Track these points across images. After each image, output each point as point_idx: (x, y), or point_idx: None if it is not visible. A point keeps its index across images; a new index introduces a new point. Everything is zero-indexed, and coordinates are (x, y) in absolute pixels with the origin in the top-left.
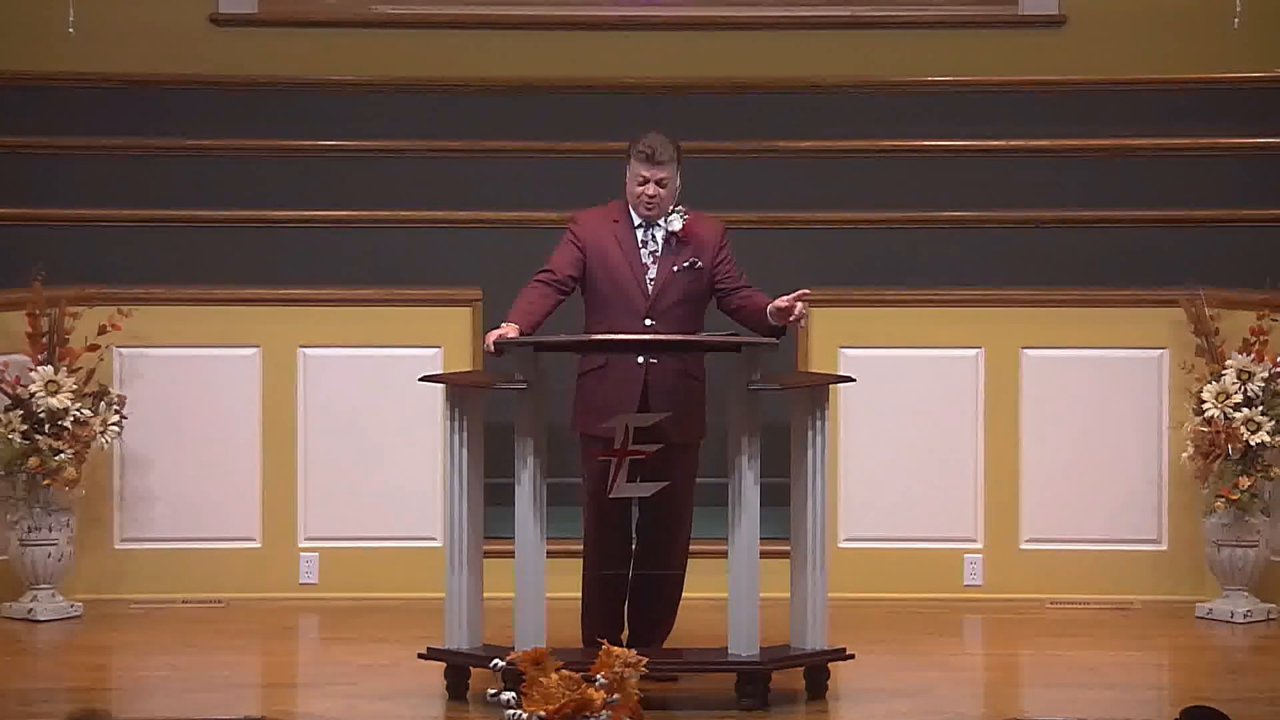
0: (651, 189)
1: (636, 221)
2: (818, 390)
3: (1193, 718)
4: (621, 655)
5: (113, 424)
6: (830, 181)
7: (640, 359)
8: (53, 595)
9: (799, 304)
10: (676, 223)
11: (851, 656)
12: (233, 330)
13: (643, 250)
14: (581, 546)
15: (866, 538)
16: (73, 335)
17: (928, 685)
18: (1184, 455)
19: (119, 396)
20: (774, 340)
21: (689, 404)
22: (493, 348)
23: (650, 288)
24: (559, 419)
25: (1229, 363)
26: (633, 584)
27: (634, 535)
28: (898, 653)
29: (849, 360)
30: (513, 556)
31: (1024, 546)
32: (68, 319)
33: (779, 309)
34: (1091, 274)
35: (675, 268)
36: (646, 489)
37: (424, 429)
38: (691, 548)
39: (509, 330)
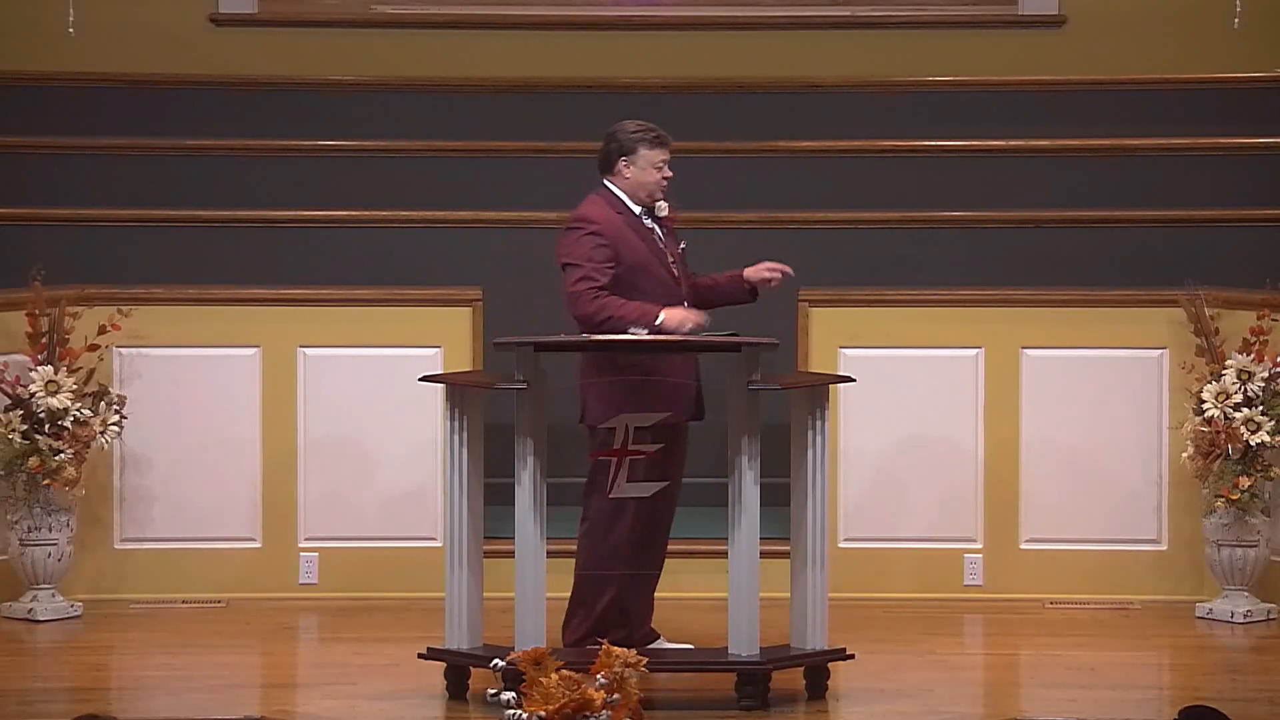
0: (668, 171)
1: (636, 211)
2: (818, 390)
3: (1191, 717)
4: (621, 655)
5: (113, 424)
6: (830, 181)
7: None
8: (53, 595)
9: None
10: (665, 209)
11: (851, 656)
12: (233, 330)
13: (655, 238)
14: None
15: (866, 537)
16: (73, 335)
17: (928, 685)
18: (1184, 455)
19: (119, 396)
20: (774, 341)
21: None
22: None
23: (676, 272)
24: (559, 419)
25: (1229, 363)
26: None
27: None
28: (898, 653)
29: (849, 360)
30: (513, 556)
31: (1024, 546)
32: (68, 319)
33: (762, 278)
34: (1091, 274)
35: (680, 250)
36: (647, 489)
37: (424, 429)
38: (691, 547)
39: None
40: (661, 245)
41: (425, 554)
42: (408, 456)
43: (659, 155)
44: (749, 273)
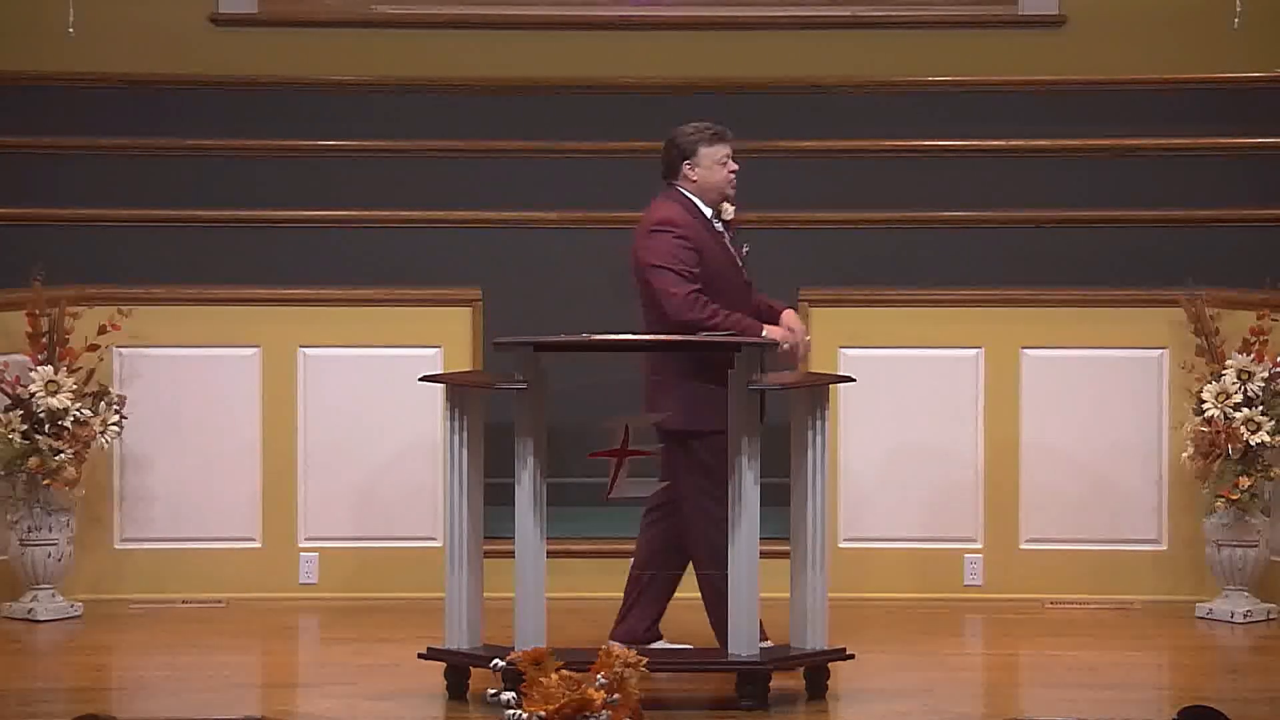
0: (734, 164)
1: (708, 213)
2: (818, 390)
3: (1191, 717)
4: (621, 655)
5: (112, 424)
6: (830, 181)
7: None
8: (53, 595)
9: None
10: (730, 211)
11: (851, 656)
12: (233, 330)
13: (726, 243)
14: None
15: (866, 538)
16: (73, 335)
17: (928, 685)
18: (1184, 455)
19: (119, 396)
20: (775, 340)
21: None
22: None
23: (746, 275)
24: (559, 419)
25: (1229, 362)
26: (704, 586)
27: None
28: (898, 653)
29: (849, 360)
30: (513, 556)
31: (1024, 546)
32: (68, 319)
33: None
34: (1092, 274)
35: (744, 254)
36: (646, 487)
37: (424, 429)
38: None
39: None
40: (732, 250)
41: (425, 554)
42: (408, 456)
43: (720, 151)
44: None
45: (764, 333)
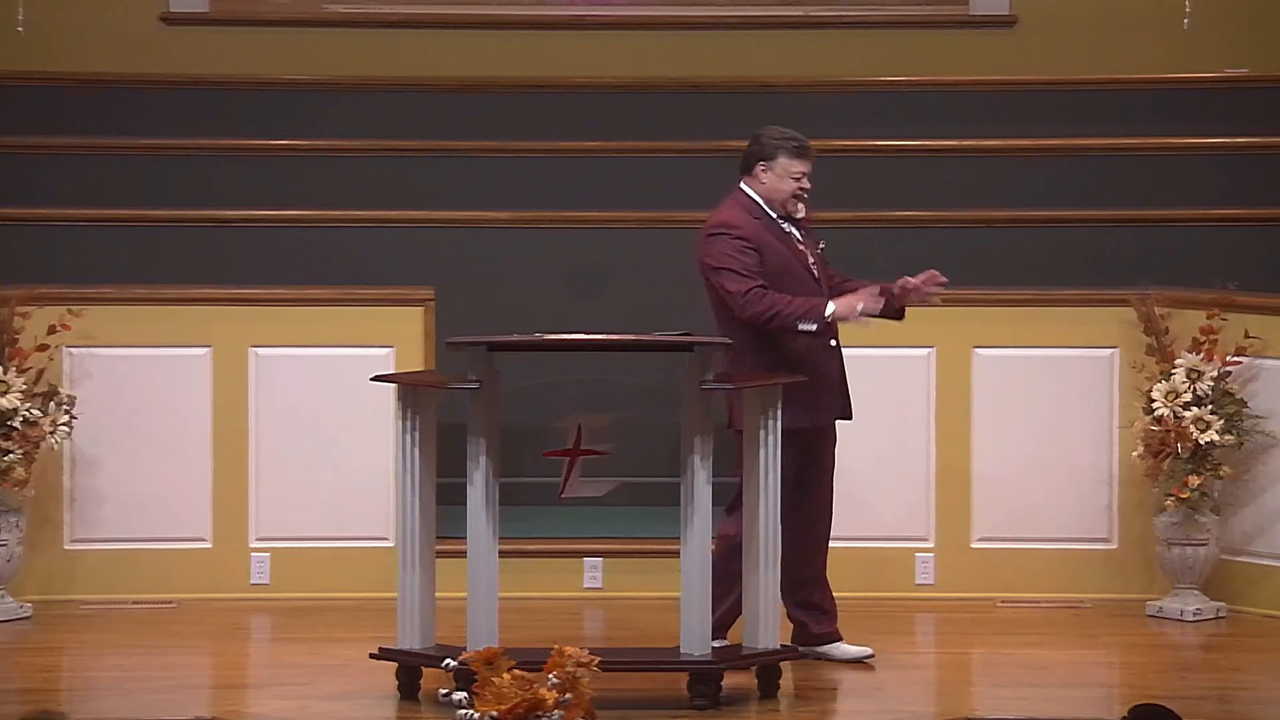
0: (806, 183)
1: (773, 215)
2: (770, 390)
3: (1141, 716)
4: (574, 655)
5: (62, 424)
6: None
7: (833, 342)
8: (2, 596)
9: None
10: (801, 210)
11: (804, 656)
12: (184, 330)
13: (794, 240)
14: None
15: None
16: (22, 335)
17: (879, 684)
18: (1134, 454)
19: (69, 397)
20: (727, 340)
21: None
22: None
23: (816, 273)
24: (512, 419)
25: (1179, 362)
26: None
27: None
28: None
29: None
30: (465, 556)
31: (975, 545)
32: (17, 319)
33: (909, 286)
34: (1043, 273)
35: (819, 250)
36: (603, 486)
37: (376, 429)
38: (644, 547)
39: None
40: (801, 247)
41: (377, 554)
42: (359, 456)
43: (798, 166)
44: (901, 284)
45: (828, 309)
